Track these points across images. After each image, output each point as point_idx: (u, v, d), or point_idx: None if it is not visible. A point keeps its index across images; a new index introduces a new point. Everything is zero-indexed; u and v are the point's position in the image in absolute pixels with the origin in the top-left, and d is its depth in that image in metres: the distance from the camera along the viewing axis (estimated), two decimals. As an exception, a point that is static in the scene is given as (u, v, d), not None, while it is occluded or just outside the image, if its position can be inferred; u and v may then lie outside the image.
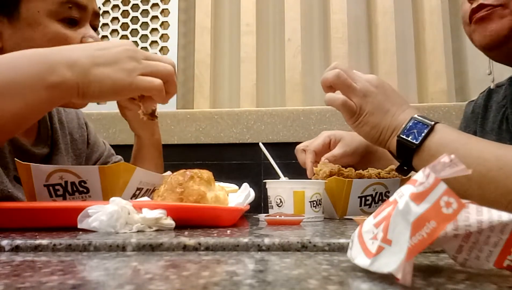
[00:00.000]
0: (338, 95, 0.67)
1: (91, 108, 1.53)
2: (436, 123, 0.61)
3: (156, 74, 0.59)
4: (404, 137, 0.62)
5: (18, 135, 0.76)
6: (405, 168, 0.65)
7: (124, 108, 0.89)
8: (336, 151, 0.87)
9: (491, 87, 0.86)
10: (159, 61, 0.61)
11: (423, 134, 0.60)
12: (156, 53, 1.60)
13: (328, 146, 0.90)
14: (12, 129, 0.59)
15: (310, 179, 0.83)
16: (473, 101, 0.94)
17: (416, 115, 0.63)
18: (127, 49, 0.59)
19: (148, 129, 0.94)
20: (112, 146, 1.07)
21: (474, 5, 0.70)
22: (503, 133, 0.80)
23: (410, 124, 0.62)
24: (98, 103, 1.60)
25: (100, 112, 1.51)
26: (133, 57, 0.59)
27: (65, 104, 0.78)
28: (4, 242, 0.38)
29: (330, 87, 0.69)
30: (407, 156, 0.62)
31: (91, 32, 0.76)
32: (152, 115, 0.69)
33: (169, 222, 0.49)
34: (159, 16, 1.62)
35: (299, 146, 0.93)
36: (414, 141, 0.60)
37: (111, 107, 1.55)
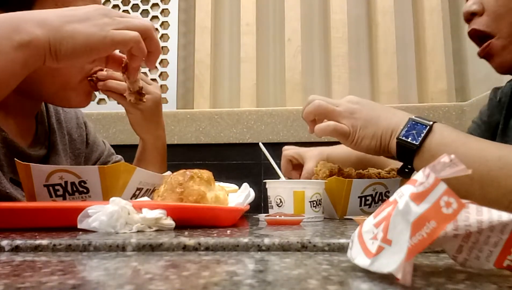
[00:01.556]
0: (328, 123, 0.68)
1: (91, 108, 1.53)
2: (433, 122, 0.61)
3: (132, 29, 0.57)
4: (403, 138, 0.61)
5: (14, 137, 0.75)
6: (406, 170, 0.65)
7: (127, 112, 0.89)
8: (309, 165, 0.88)
9: None
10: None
11: (422, 135, 0.60)
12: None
13: (291, 167, 0.93)
14: None
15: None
16: (499, 88, 0.90)
17: (413, 116, 0.63)
18: (99, 7, 0.57)
19: (151, 133, 0.93)
20: (112, 146, 1.07)
21: (469, 29, 0.73)
22: None
23: (409, 125, 0.62)
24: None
25: (100, 112, 1.51)
26: (106, 14, 0.57)
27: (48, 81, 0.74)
28: (4, 242, 0.38)
29: (313, 120, 0.70)
30: (408, 158, 0.62)
31: None
32: (140, 94, 0.67)
33: (169, 222, 0.49)
34: (159, 16, 1.62)
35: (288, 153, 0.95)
36: (414, 142, 0.60)
37: (111, 107, 1.55)
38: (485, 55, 0.72)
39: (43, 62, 0.56)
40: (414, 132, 0.61)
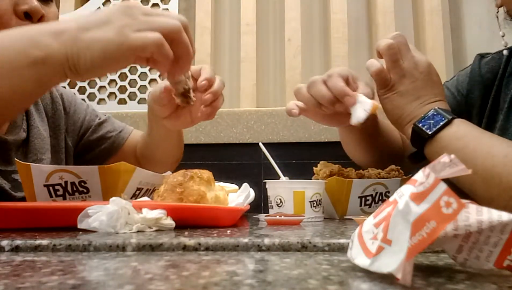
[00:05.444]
0: (377, 63, 0.66)
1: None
2: (455, 118, 0.61)
3: (156, 30, 0.50)
4: (419, 126, 0.62)
5: None
6: (417, 158, 0.65)
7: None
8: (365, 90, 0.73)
9: (504, 53, 0.80)
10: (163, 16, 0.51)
11: (438, 126, 0.61)
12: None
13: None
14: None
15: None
16: (484, 56, 0.84)
17: (437, 107, 0.63)
18: (122, 5, 0.50)
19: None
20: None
21: None
22: None
23: (429, 114, 0.62)
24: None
25: (100, 112, 1.51)
26: (128, 13, 0.49)
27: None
28: (4, 242, 0.38)
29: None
30: (419, 145, 0.63)
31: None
32: (185, 96, 0.61)
33: (169, 222, 0.49)
34: (159, 16, 1.62)
35: (300, 86, 0.73)
36: (428, 131, 0.61)
37: (111, 107, 1.55)
38: None
39: (65, 77, 0.51)
40: (431, 121, 0.62)
